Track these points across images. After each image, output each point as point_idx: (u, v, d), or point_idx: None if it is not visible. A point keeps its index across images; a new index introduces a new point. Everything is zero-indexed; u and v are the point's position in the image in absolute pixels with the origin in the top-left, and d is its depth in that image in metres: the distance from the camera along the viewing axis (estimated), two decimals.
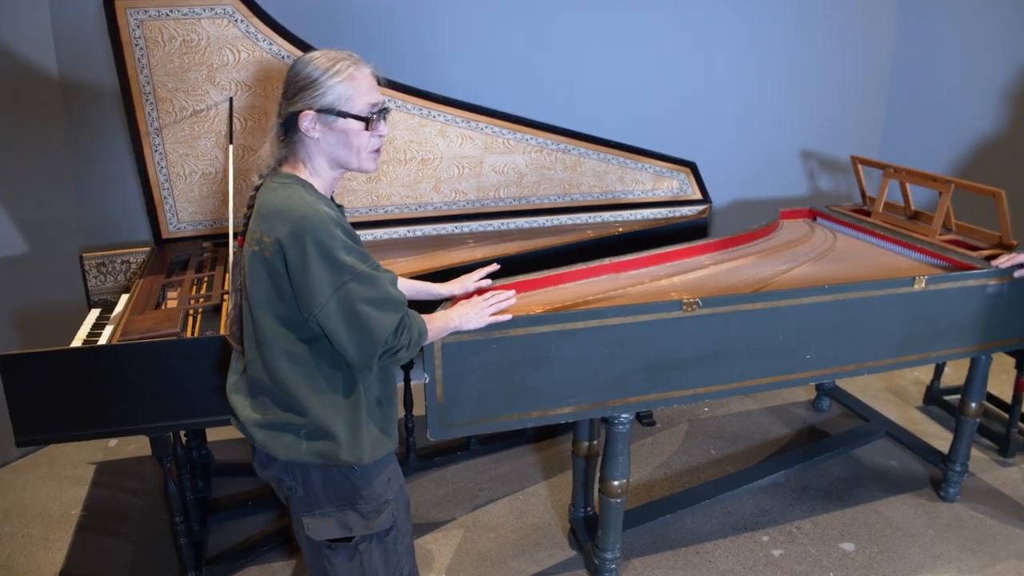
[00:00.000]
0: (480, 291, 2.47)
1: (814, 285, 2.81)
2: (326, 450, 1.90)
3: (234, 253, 2.04)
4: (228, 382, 2.05)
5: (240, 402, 2.00)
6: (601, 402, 2.55)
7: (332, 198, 1.99)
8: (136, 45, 3.08)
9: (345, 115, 1.83)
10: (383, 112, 1.90)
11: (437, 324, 2.14)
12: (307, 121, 1.83)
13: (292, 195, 1.80)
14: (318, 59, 1.83)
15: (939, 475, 3.62)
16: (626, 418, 2.65)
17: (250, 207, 1.94)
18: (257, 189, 1.92)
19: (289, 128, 1.88)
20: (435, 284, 2.46)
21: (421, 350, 2.19)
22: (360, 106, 1.85)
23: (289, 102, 1.84)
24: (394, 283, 1.88)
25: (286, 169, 1.90)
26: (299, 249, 1.74)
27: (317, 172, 1.90)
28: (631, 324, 2.49)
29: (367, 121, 1.86)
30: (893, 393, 4.61)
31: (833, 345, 2.84)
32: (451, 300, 2.46)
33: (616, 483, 2.74)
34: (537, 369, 2.44)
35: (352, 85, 1.83)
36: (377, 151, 1.94)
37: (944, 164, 4.98)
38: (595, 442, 3.07)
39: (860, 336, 2.88)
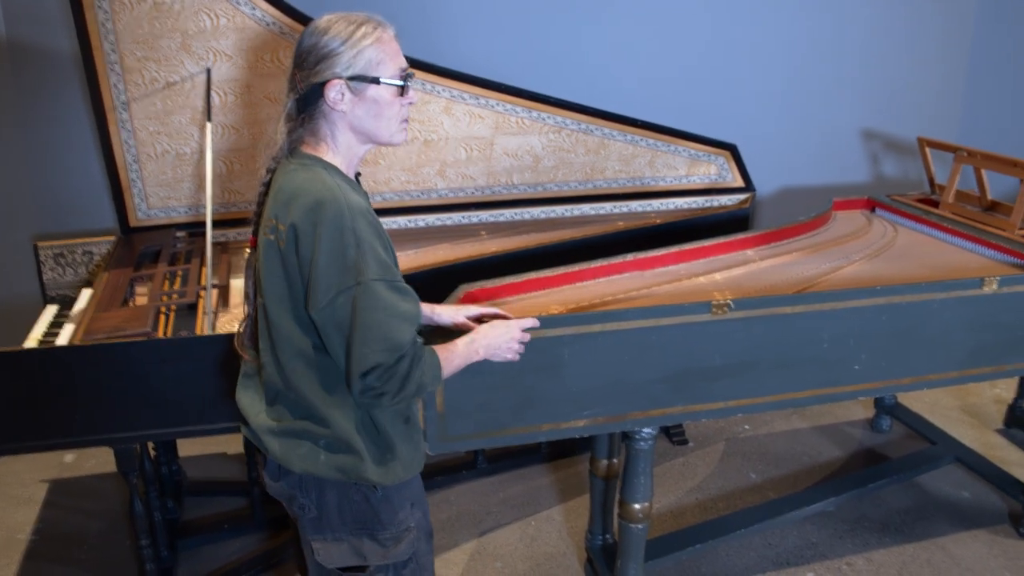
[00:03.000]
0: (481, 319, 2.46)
1: (864, 286, 2.91)
2: (347, 465, 1.96)
3: (247, 257, 2.11)
4: (238, 386, 2.15)
5: (251, 407, 2.08)
6: (620, 415, 2.66)
7: (359, 180, 2.07)
8: (99, 7, 3.20)
9: (378, 81, 1.91)
10: (410, 76, 1.99)
11: (460, 354, 2.13)
12: (335, 91, 1.90)
13: (312, 178, 1.88)
14: (338, 23, 1.90)
15: (1019, 509, 3.70)
16: (648, 433, 2.77)
17: (262, 196, 2.01)
18: (271, 173, 2.00)
19: (309, 102, 1.94)
20: (430, 305, 2.43)
21: None
22: (391, 71, 1.93)
23: (310, 72, 1.90)
24: (409, 318, 1.87)
25: (306, 150, 1.97)
26: (310, 238, 1.81)
27: (340, 150, 1.98)
28: (654, 328, 2.60)
29: (402, 87, 1.95)
30: (968, 413, 4.70)
31: (886, 355, 2.93)
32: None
33: (637, 507, 2.87)
34: (548, 377, 2.55)
35: (382, 48, 1.92)
36: (406, 120, 2.02)
37: None
38: (615, 460, 3.20)
39: (919, 345, 2.96)
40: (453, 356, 2.11)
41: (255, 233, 2.04)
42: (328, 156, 1.96)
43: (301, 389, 1.94)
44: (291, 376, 1.94)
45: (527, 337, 2.35)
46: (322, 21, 1.92)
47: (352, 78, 1.89)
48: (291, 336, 1.92)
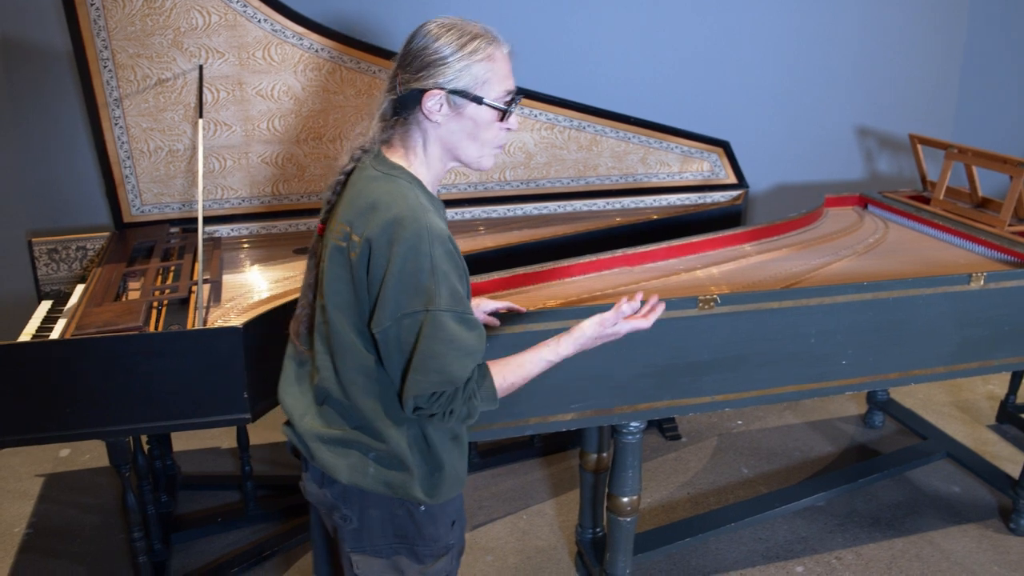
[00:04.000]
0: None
1: (851, 281, 2.94)
2: (396, 481, 1.91)
3: (312, 243, 2.03)
4: (281, 382, 2.08)
5: (297, 407, 2.02)
6: (607, 409, 2.70)
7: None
8: (92, 5, 3.24)
9: (480, 101, 1.83)
10: (516, 101, 1.90)
11: (540, 360, 2.02)
12: (433, 101, 1.82)
13: (394, 190, 1.80)
14: (451, 31, 1.83)
15: (1009, 504, 3.72)
16: (636, 427, 2.80)
17: (335, 192, 1.94)
18: (348, 174, 1.93)
19: (406, 106, 1.86)
20: None
21: None
22: (497, 92, 1.84)
23: (413, 76, 1.83)
24: (472, 352, 1.81)
25: (392, 156, 1.90)
26: (384, 256, 1.74)
27: (427, 162, 1.90)
28: None
29: (504, 112, 1.87)
30: (960, 409, 4.72)
31: (873, 350, 2.96)
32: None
33: (625, 500, 2.90)
34: None
35: (491, 67, 1.83)
36: (500, 147, 1.93)
37: None
38: (604, 455, 3.22)
39: (905, 340, 2.99)
40: (527, 364, 2.00)
41: (324, 221, 1.97)
42: (414, 167, 1.89)
43: (358, 402, 1.88)
44: (349, 387, 1.89)
45: (622, 323, 2.08)
46: (435, 25, 1.86)
47: (454, 92, 1.82)
48: (352, 348, 1.85)
